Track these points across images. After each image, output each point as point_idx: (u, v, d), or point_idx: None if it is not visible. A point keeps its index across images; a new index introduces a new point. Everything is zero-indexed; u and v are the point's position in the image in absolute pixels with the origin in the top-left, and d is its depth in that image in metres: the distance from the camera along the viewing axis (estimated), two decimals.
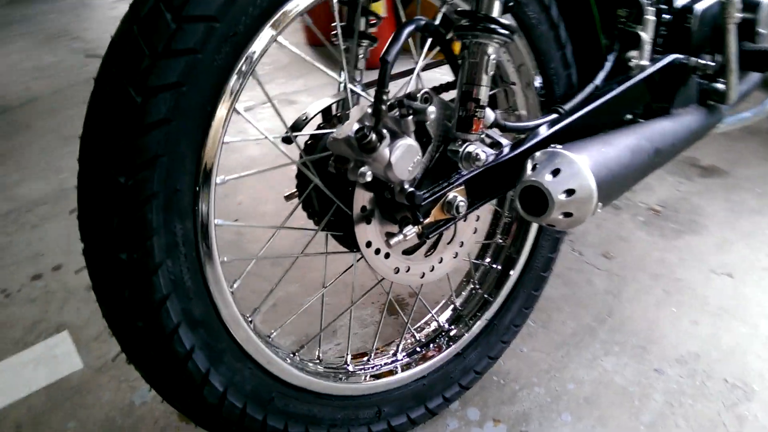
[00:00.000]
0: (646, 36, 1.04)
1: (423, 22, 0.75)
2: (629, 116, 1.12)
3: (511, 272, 1.09)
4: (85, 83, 2.87)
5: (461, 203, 0.81)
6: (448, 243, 0.92)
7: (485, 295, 1.09)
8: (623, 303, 1.26)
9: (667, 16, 1.09)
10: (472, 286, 1.10)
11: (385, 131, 0.72)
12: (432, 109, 0.75)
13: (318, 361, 0.92)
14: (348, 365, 0.95)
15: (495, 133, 0.88)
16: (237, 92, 0.69)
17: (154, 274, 0.66)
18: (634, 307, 1.25)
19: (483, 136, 0.84)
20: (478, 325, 1.06)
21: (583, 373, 1.11)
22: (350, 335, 1.20)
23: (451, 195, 0.81)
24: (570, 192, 0.78)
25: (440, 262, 0.92)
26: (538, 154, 0.82)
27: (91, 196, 0.64)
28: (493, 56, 0.78)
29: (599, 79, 1.02)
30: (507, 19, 0.79)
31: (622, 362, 1.13)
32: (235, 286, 0.78)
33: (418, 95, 0.77)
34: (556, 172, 0.78)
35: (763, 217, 1.49)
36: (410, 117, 0.73)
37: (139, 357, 0.70)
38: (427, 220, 0.80)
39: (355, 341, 1.20)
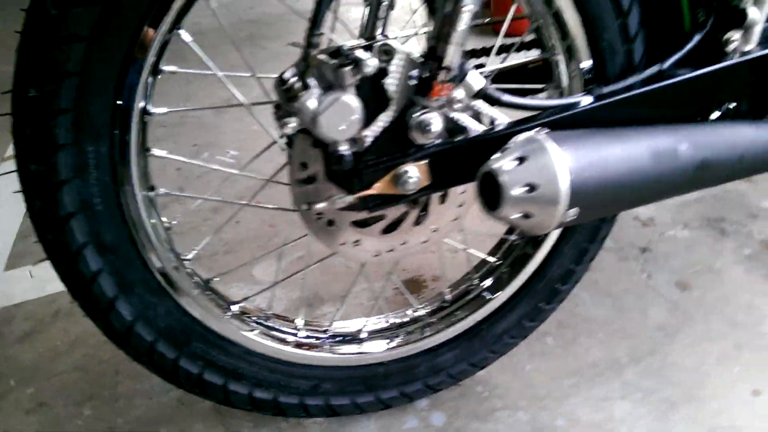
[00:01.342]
0: (759, 14, 0.79)
1: None
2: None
3: (518, 276, 0.93)
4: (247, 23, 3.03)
5: (411, 180, 0.70)
6: (415, 225, 0.80)
7: (482, 294, 0.95)
8: (675, 345, 1.03)
9: None
10: (470, 280, 0.97)
11: (314, 81, 0.64)
12: (372, 62, 0.64)
13: (263, 316, 0.88)
14: (298, 329, 0.90)
15: (482, 105, 0.73)
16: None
17: (58, 191, 0.66)
18: (688, 353, 1.01)
19: (460, 105, 0.70)
20: (462, 325, 0.94)
21: (584, 412, 0.93)
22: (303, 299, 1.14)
23: (405, 169, 0.70)
24: (531, 187, 0.62)
25: (402, 244, 0.81)
26: (519, 137, 0.67)
27: (14, 105, 0.65)
28: (468, 8, 0.64)
29: (670, 61, 0.81)
30: None
31: (637, 413, 0.92)
32: (165, 220, 0.76)
33: (376, 45, 0.66)
34: (521, 160, 0.63)
35: None
36: (347, 68, 0.63)
37: (56, 268, 0.72)
38: (369, 192, 0.71)
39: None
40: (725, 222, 1.30)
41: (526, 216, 0.64)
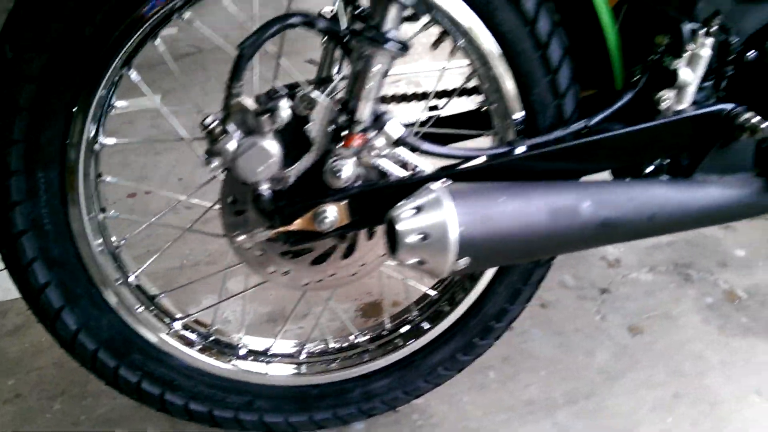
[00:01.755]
0: (692, 75, 0.82)
1: (298, 18, 0.69)
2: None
3: (453, 311, 0.97)
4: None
5: (329, 219, 0.75)
6: (344, 258, 0.86)
7: (420, 325, 0.99)
8: (614, 390, 1.04)
9: (724, 53, 0.83)
10: (410, 311, 1.01)
11: (233, 126, 0.70)
12: (285, 112, 0.70)
13: (205, 333, 0.94)
14: (240, 346, 0.96)
15: (404, 152, 0.78)
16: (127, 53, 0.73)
17: (11, 211, 0.74)
18: (625, 399, 1.03)
19: (377, 152, 0.76)
20: (397, 355, 0.98)
21: None
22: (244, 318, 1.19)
23: (324, 208, 0.76)
24: (424, 236, 0.67)
25: (331, 275, 0.86)
26: (429, 185, 0.72)
27: None
28: (376, 69, 0.69)
29: (598, 117, 0.84)
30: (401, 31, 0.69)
31: None
32: (114, 239, 0.84)
33: (298, 95, 0.72)
34: (418, 210, 0.68)
35: None
36: (264, 116, 0.70)
37: (11, 278, 0.81)
38: (289, 228, 0.76)
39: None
40: (693, 268, 1.30)
41: (420, 262, 0.69)
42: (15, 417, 1.09)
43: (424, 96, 0.98)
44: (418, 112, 0.92)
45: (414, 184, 0.75)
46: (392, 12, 0.68)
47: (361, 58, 0.69)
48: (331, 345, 1.01)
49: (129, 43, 0.73)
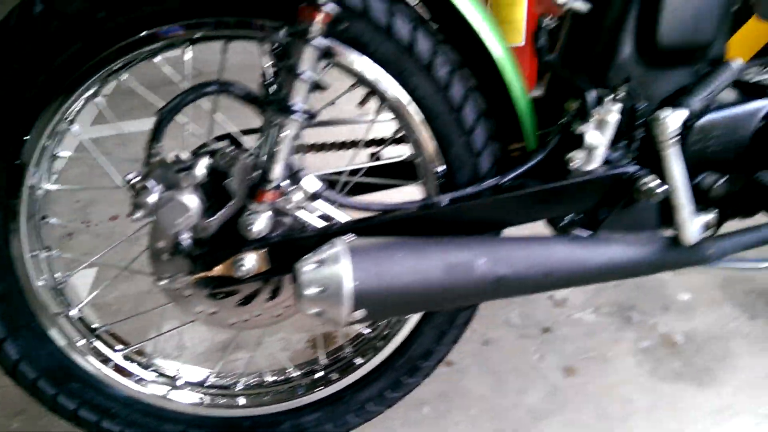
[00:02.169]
0: (600, 138, 0.87)
1: (214, 87, 0.75)
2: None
3: (382, 350, 1.02)
4: None
5: (247, 267, 0.81)
6: (269, 300, 0.91)
7: (352, 361, 1.04)
8: (539, 430, 1.08)
9: (633, 118, 0.88)
10: (344, 348, 1.06)
11: (153, 182, 0.76)
12: (200, 171, 0.76)
13: (144, 364, 1.00)
14: (178, 377, 1.02)
15: (322, 204, 0.84)
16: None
17: None
18: None
19: (293, 206, 0.82)
20: (328, 390, 1.03)
21: None
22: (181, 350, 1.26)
23: (243, 256, 0.82)
24: (322, 289, 0.73)
25: (257, 316, 0.92)
26: (334, 240, 0.77)
27: None
28: (284, 135, 0.75)
29: (510, 175, 0.89)
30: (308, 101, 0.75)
31: None
32: (57, 275, 0.91)
33: (221, 153, 0.79)
34: (320, 263, 0.74)
35: None
36: (182, 173, 0.76)
37: None
38: (209, 274, 0.82)
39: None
40: (635, 310, 1.34)
41: (319, 313, 0.75)
42: None
43: (355, 144, 1.03)
44: (350, 160, 0.98)
45: (324, 236, 0.81)
46: (298, 86, 0.74)
47: (271, 124, 0.76)
48: (267, 378, 1.06)
49: (70, 101, 0.80)
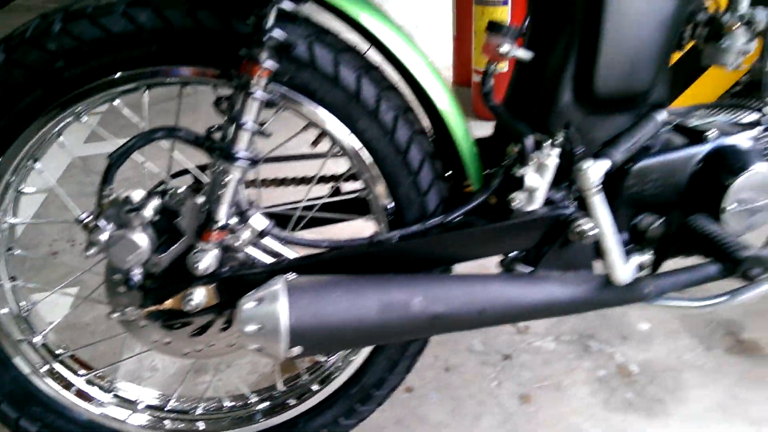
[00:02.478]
0: (540, 180, 0.90)
1: (162, 133, 0.80)
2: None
3: (337, 378, 1.06)
4: None
5: (196, 301, 0.85)
6: (222, 331, 0.95)
7: (309, 387, 1.08)
8: None
9: (571, 161, 0.92)
10: (300, 376, 1.10)
11: (104, 222, 0.81)
12: (149, 212, 0.80)
13: (106, 388, 1.04)
14: (139, 401, 1.06)
15: (271, 242, 0.89)
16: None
17: None
18: None
19: (241, 243, 0.86)
20: (286, 416, 1.07)
21: None
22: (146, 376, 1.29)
23: (192, 290, 0.86)
24: (260, 327, 0.77)
25: (210, 346, 0.96)
26: (275, 278, 0.81)
27: None
28: (229, 179, 0.80)
29: (454, 214, 0.93)
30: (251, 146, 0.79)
31: None
32: (23, 304, 0.95)
33: (171, 193, 0.83)
34: (259, 301, 0.78)
35: None
36: (132, 213, 0.80)
37: None
38: (159, 308, 0.86)
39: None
40: (595, 339, 1.37)
41: (259, 348, 0.78)
42: None
43: (311, 180, 1.07)
44: (306, 194, 1.02)
45: (270, 273, 0.85)
46: (241, 134, 0.78)
47: (216, 169, 0.80)
48: (226, 403, 1.10)
49: (33, 140, 0.85)
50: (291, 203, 1.07)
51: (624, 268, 0.88)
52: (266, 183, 1.08)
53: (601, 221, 0.84)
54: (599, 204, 0.83)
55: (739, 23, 1.00)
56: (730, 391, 1.21)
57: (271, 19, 0.73)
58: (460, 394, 1.25)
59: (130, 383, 1.09)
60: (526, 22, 0.95)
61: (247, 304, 0.78)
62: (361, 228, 1.08)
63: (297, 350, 0.78)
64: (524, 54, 0.91)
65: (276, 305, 0.77)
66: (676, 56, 1.04)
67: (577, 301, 0.91)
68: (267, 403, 1.10)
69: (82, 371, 1.03)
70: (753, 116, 1.01)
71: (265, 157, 0.87)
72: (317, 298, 0.79)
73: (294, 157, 1.05)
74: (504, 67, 2.37)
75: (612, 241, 0.86)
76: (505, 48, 0.88)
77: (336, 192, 1.06)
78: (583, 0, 0.86)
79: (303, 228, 1.07)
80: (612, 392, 1.23)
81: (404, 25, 0.90)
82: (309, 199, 1.04)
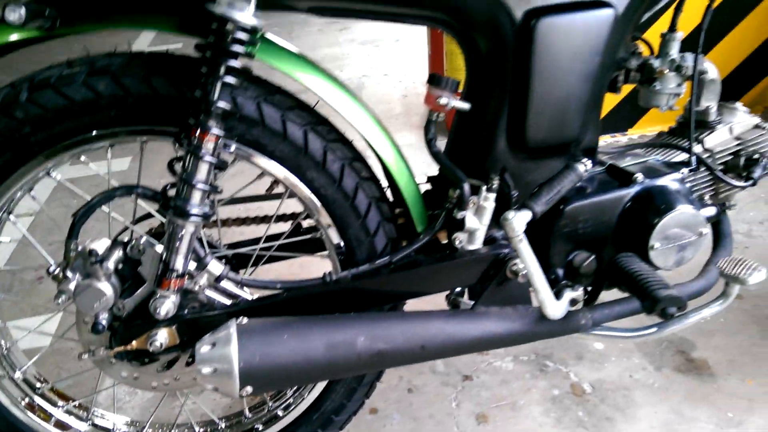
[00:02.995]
0: (478, 222, 0.97)
1: (122, 191, 0.87)
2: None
3: (300, 404, 1.13)
4: None
5: (159, 342, 0.93)
6: (187, 365, 1.02)
7: (276, 413, 1.15)
8: None
9: (507, 204, 0.99)
10: (266, 402, 1.17)
11: (71, 273, 0.88)
12: (110, 264, 0.88)
13: (85, 416, 1.12)
14: (115, 430, 1.13)
15: (228, 285, 0.96)
16: None
17: None
18: None
19: (200, 287, 0.93)
20: None
21: None
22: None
23: (156, 332, 0.93)
24: (214, 369, 0.84)
25: (176, 380, 1.03)
26: (229, 322, 0.88)
27: None
28: (183, 233, 0.87)
29: (400, 254, 1.00)
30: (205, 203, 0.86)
31: None
32: (2, 344, 1.02)
33: (132, 245, 0.90)
34: (213, 345, 0.85)
35: None
36: (95, 264, 0.87)
37: None
38: (125, 348, 0.94)
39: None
40: (551, 359, 1.44)
41: (215, 388, 0.86)
42: None
43: (269, 219, 1.14)
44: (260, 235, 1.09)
45: (228, 315, 0.92)
46: (194, 193, 0.85)
47: (171, 223, 0.87)
48: (197, 429, 1.17)
49: (8, 195, 0.92)
50: (253, 239, 1.14)
51: (555, 304, 0.95)
52: (228, 223, 1.15)
53: (529, 264, 0.91)
54: (525, 249, 0.90)
55: (668, 69, 1.07)
56: (676, 410, 1.28)
57: (216, 92, 0.80)
58: (421, 415, 1.32)
59: (106, 411, 1.17)
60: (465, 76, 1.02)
61: (203, 348, 0.85)
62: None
63: (249, 390, 0.85)
64: (462, 105, 0.97)
65: (228, 349, 0.84)
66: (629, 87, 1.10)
67: (514, 335, 0.98)
68: (235, 430, 1.17)
69: (61, 402, 1.10)
70: (682, 156, 1.08)
71: (223, 202, 0.94)
72: (266, 340, 0.86)
73: (250, 198, 1.12)
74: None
75: (540, 281, 0.92)
76: (443, 100, 0.95)
77: (295, 230, 1.14)
78: (513, 57, 0.93)
79: (266, 262, 1.14)
80: (565, 411, 1.30)
81: (348, 79, 0.96)
82: (268, 237, 1.11)
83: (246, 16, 0.76)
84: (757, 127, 1.12)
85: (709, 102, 1.11)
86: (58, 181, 0.95)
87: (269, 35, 0.90)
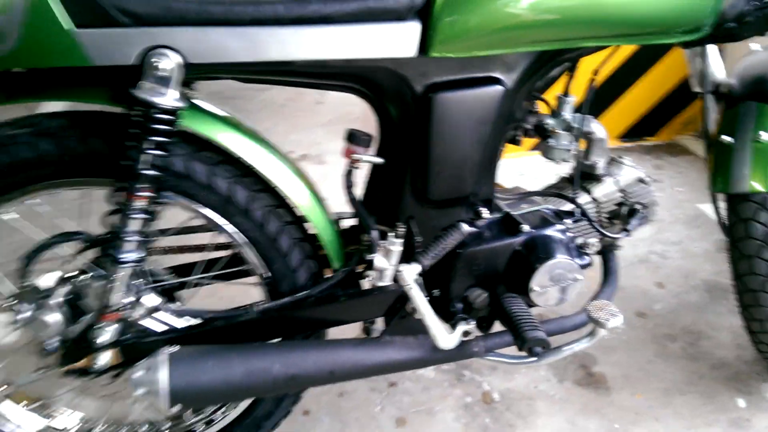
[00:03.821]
0: (383, 263, 1.12)
1: (60, 238, 1.00)
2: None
3: (232, 411, 1.29)
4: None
5: (98, 364, 1.07)
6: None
7: (213, 417, 1.31)
8: None
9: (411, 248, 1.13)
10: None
11: (22, 305, 1.02)
12: (56, 300, 1.01)
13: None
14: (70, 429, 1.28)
15: (164, 314, 1.10)
16: None
17: None
18: None
19: (138, 318, 1.08)
20: None
21: None
22: None
23: (99, 354, 1.07)
24: (147, 390, 0.99)
25: (122, 391, 1.18)
26: (162, 350, 1.03)
27: None
28: (116, 277, 1.00)
29: (319, 288, 1.15)
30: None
31: None
32: None
33: (76, 282, 1.04)
34: (146, 370, 1.00)
35: None
36: (42, 299, 1.01)
37: None
38: (75, 366, 1.08)
39: None
40: (468, 369, 1.60)
41: (148, 406, 1.01)
42: None
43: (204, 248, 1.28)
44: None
45: (162, 341, 1.07)
46: (126, 244, 0.98)
47: (104, 268, 1.01)
48: (142, 429, 1.33)
49: None
50: (192, 264, 1.28)
51: (447, 337, 1.11)
52: (169, 251, 1.29)
53: (420, 308, 1.06)
54: (416, 295, 1.05)
55: (560, 128, 1.21)
56: (571, 420, 1.46)
57: (141, 162, 0.92)
58: (347, 418, 1.49)
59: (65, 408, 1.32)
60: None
61: (137, 374, 0.99)
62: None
63: (178, 407, 1.00)
64: (375, 160, 1.11)
65: (158, 374, 0.98)
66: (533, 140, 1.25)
67: (414, 361, 1.13)
68: (178, 429, 1.33)
69: (24, 402, 1.25)
70: (569, 206, 1.23)
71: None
72: (192, 366, 1.01)
73: (185, 229, 1.26)
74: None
75: (432, 320, 1.08)
76: (357, 158, 1.09)
77: (232, 259, 1.28)
78: (416, 124, 1.06)
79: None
80: (473, 417, 1.47)
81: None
82: (206, 266, 1.25)
83: (167, 99, 0.89)
84: (640, 180, 1.27)
85: (597, 157, 1.25)
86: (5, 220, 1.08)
87: (196, 101, 1.03)
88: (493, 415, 1.48)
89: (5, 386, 1.23)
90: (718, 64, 1.35)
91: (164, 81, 0.88)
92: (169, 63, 0.87)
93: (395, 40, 0.95)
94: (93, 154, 0.99)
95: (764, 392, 1.50)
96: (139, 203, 0.95)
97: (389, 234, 1.11)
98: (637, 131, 2.87)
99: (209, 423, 1.32)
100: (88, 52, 0.85)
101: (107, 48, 0.86)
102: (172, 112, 0.91)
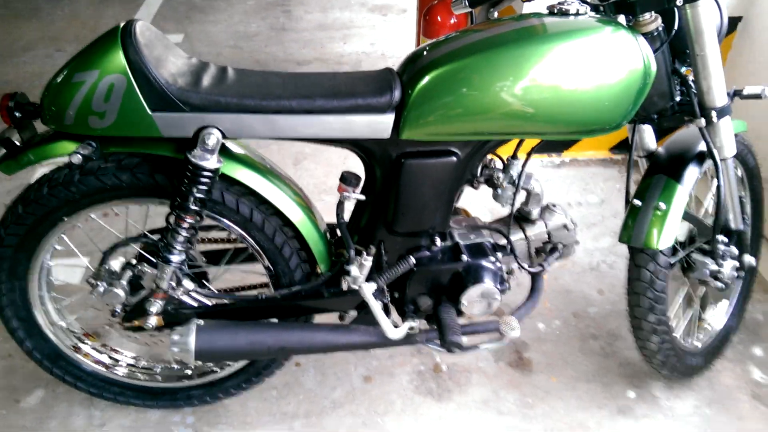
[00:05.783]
0: (358, 273, 1.52)
1: (133, 240, 1.42)
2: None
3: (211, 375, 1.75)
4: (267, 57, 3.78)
5: (148, 325, 1.52)
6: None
7: (225, 365, 1.77)
8: (332, 414, 1.82)
9: (381, 266, 1.54)
10: None
11: (99, 282, 1.46)
12: (123, 279, 1.45)
13: (102, 350, 1.74)
14: (120, 360, 1.76)
15: (198, 293, 1.54)
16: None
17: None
18: (331, 421, 1.81)
19: (184, 294, 1.51)
20: (211, 378, 1.77)
21: None
22: None
23: (149, 317, 1.52)
24: (181, 349, 1.44)
25: (163, 341, 1.64)
26: (192, 320, 1.47)
27: None
28: (167, 270, 1.43)
29: (309, 285, 1.57)
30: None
31: None
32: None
33: (136, 270, 1.48)
34: (180, 335, 1.44)
35: None
36: (112, 277, 1.45)
37: None
38: (133, 324, 1.53)
39: None
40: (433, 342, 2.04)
41: (180, 360, 1.46)
42: None
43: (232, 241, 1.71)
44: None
45: (194, 314, 1.51)
46: (174, 250, 1.40)
47: (156, 265, 1.43)
48: (174, 366, 1.80)
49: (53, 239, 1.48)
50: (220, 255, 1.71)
51: (395, 331, 1.53)
52: (206, 240, 1.71)
53: (375, 312, 1.48)
54: (373, 304, 1.47)
55: (506, 182, 1.57)
56: (495, 391, 1.90)
57: (190, 201, 1.32)
58: (328, 371, 1.95)
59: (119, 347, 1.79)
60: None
61: (173, 337, 1.44)
62: None
63: (200, 362, 1.46)
64: (360, 197, 1.50)
65: (188, 338, 1.43)
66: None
67: (371, 343, 1.57)
68: (201, 367, 1.80)
69: (89, 341, 1.72)
70: (505, 241, 1.61)
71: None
72: (212, 335, 1.45)
73: (216, 240, 1.67)
74: None
75: (383, 320, 1.50)
76: (346, 194, 1.47)
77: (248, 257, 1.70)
78: (391, 178, 1.44)
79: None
80: (422, 382, 1.92)
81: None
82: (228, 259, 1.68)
83: (211, 163, 1.28)
84: (564, 226, 1.64)
85: (533, 207, 1.62)
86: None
87: (229, 144, 1.42)
88: (438, 382, 1.92)
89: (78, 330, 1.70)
90: (651, 137, 1.67)
91: (210, 151, 1.27)
92: (214, 139, 1.25)
93: (376, 127, 1.32)
94: (157, 185, 1.39)
95: (652, 389, 1.92)
96: (185, 223, 1.37)
97: (364, 252, 1.52)
98: (626, 144, 3.14)
99: (222, 368, 1.78)
100: (160, 128, 1.24)
101: (173, 126, 1.25)
102: (213, 171, 1.30)
